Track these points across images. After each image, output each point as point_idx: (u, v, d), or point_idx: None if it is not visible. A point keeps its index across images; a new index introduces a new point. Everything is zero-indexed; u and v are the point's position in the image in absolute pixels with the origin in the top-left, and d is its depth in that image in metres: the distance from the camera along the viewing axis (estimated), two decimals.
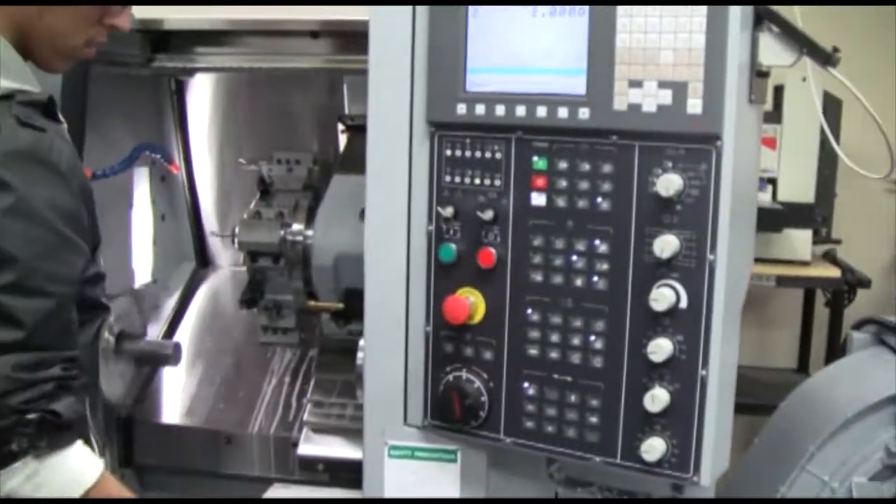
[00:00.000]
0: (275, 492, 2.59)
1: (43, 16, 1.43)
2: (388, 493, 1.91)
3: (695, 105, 1.56)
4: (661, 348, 1.60)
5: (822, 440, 1.94)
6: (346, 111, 2.71)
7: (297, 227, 2.60)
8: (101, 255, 1.64)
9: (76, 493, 1.38)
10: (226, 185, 3.20)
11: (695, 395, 1.61)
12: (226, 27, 2.60)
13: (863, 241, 3.91)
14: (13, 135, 1.32)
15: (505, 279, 1.74)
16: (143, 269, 3.09)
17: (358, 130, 2.60)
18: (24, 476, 1.34)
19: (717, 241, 1.57)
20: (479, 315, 1.77)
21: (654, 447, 1.62)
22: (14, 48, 1.43)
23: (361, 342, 1.95)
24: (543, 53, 1.67)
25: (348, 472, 1.97)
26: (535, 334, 1.73)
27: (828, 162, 3.65)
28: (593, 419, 1.69)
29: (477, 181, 1.74)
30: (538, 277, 1.71)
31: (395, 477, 1.90)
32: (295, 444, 2.62)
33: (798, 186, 3.63)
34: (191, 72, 2.91)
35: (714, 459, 1.62)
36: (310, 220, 2.58)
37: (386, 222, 1.84)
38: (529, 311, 1.73)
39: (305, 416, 2.61)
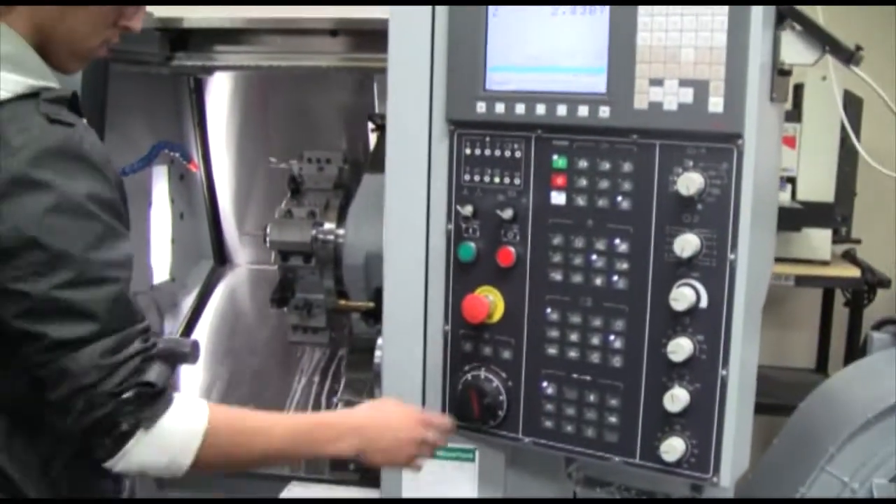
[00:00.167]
0: (292, 490, 2.59)
1: (64, 18, 1.43)
2: (406, 492, 1.91)
3: (716, 104, 1.55)
4: (681, 348, 1.59)
5: (842, 441, 1.93)
6: (377, 110, 2.71)
7: (328, 226, 2.60)
8: None
9: (199, 440, 1.42)
10: (244, 184, 3.20)
11: (715, 396, 1.60)
12: (244, 26, 2.61)
13: (883, 240, 3.88)
14: (44, 133, 1.32)
15: (524, 278, 1.74)
16: (161, 266, 3.09)
17: None
18: (145, 448, 1.38)
19: (738, 240, 1.56)
20: (498, 314, 1.76)
21: (673, 447, 1.61)
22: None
23: (380, 341, 1.95)
24: (564, 52, 1.66)
25: (379, 472, 1.98)
26: (554, 333, 1.72)
27: (848, 161, 3.62)
28: (612, 419, 1.68)
29: (496, 180, 1.74)
30: (558, 276, 1.71)
31: (413, 475, 1.90)
32: None
33: (818, 186, 3.60)
34: (209, 70, 2.91)
35: (734, 460, 1.62)
36: (341, 220, 2.58)
37: (405, 221, 1.84)
38: (549, 310, 1.72)
39: None
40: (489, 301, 1.76)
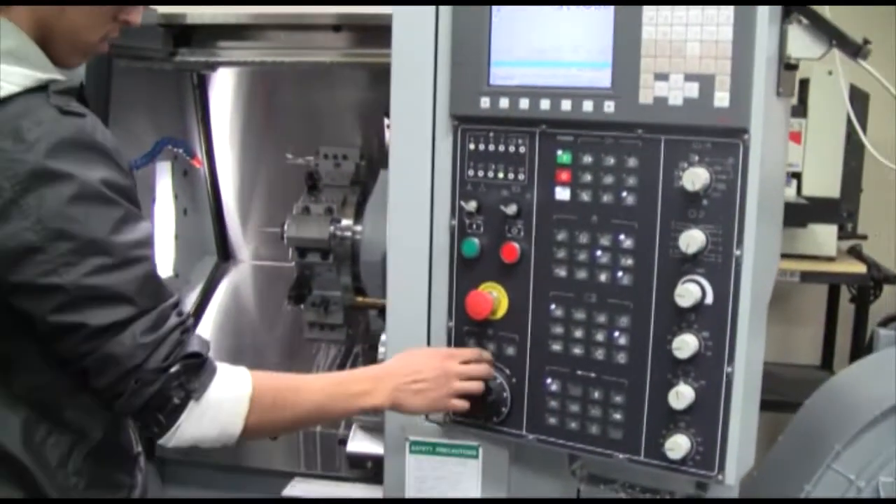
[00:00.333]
0: (295, 487, 2.59)
1: (64, 13, 1.44)
2: (409, 489, 1.90)
3: (722, 98, 1.54)
4: (686, 344, 1.58)
5: (848, 439, 1.92)
6: None
7: (345, 222, 2.59)
8: None
9: (245, 406, 1.47)
10: (248, 180, 3.20)
11: (720, 393, 1.59)
12: (248, 21, 2.61)
13: (889, 236, 3.86)
14: (58, 125, 1.33)
15: (528, 274, 1.73)
16: (164, 262, 3.09)
17: None
18: (197, 420, 1.42)
19: (744, 236, 1.55)
20: (502, 310, 1.76)
21: (678, 444, 1.60)
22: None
23: (384, 336, 1.95)
24: (568, 46, 1.65)
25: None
26: (558, 330, 1.71)
27: (854, 156, 3.61)
28: (617, 416, 1.67)
29: (500, 175, 1.73)
30: (562, 272, 1.70)
31: (416, 472, 1.90)
32: (342, 442, 2.61)
33: (823, 181, 3.58)
34: (213, 66, 2.91)
35: (739, 457, 1.61)
36: (358, 216, 2.57)
37: (409, 216, 1.84)
38: (553, 306, 1.71)
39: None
40: (493, 297, 1.75)
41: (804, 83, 3.56)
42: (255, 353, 3.08)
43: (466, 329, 1.80)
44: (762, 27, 1.52)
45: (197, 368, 1.42)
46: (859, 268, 3.65)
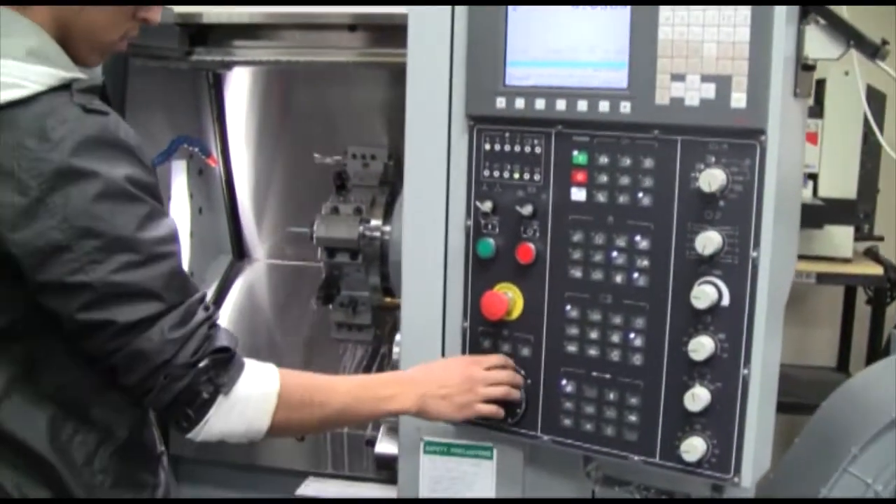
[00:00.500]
0: (309, 486, 2.59)
1: (83, 12, 1.44)
2: (423, 490, 1.90)
3: (739, 99, 1.53)
4: (702, 346, 1.58)
5: (865, 442, 1.90)
6: None
7: (374, 222, 2.59)
8: None
9: (273, 403, 1.48)
10: (263, 179, 3.20)
11: (736, 395, 1.58)
12: (263, 21, 2.61)
13: None
14: (82, 123, 1.34)
15: (544, 275, 1.72)
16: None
17: None
18: (225, 414, 1.43)
19: (761, 237, 1.54)
20: (518, 311, 1.75)
21: (694, 447, 1.60)
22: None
23: (398, 336, 1.95)
24: (584, 47, 1.65)
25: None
26: (573, 331, 1.71)
27: (870, 157, 3.59)
28: (632, 417, 1.67)
29: (516, 176, 1.73)
30: (577, 273, 1.70)
31: (431, 473, 1.90)
32: (369, 443, 2.60)
33: (840, 182, 3.57)
34: (228, 65, 2.92)
35: (755, 460, 1.60)
36: (387, 216, 2.57)
37: (424, 217, 1.83)
38: (568, 307, 1.71)
39: None
40: (508, 298, 1.75)
41: (820, 84, 3.54)
42: (271, 352, 3.08)
43: (481, 329, 1.79)
44: (779, 28, 1.51)
45: (226, 363, 1.43)
46: (876, 269, 3.63)
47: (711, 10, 1.54)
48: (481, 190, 1.77)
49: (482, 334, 1.80)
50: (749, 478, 1.60)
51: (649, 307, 1.64)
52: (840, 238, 3.62)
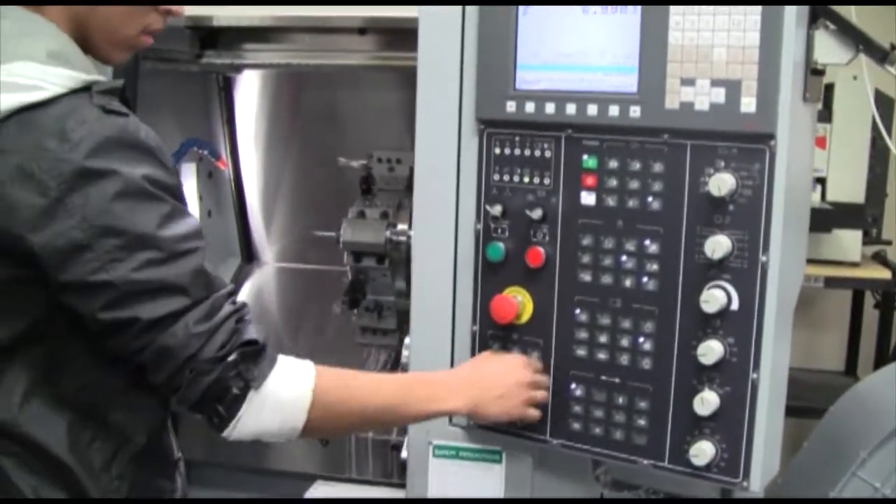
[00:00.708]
0: (317, 489, 2.59)
1: (97, 7, 1.44)
2: (432, 493, 1.90)
3: (748, 104, 1.53)
4: (711, 350, 1.58)
5: (874, 446, 1.90)
6: None
7: (401, 226, 2.58)
8: None
9: (308, 399, 1.44)
10: (273, 182, 3.21)
11: (745, 399, 1.58)
12: (273, 24, 2.62)
13: None
14: (101, 124, 1.34)
15: (553, 279, 1.73)
16: None
17: None
18: (257, 411, 1.40)
19: (770, 241, 1.55)
20: (527, 315, 1.76)
21: (703, 451, 1.60)
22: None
23: (407, 340, 1.95)
24: (594, 51, 1.65)
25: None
26: (583, 335, 1.71)
27: (879, 162, 3.59)
28: (641, 421, 1.67)
29: (526, 179, 1.73)
30: (587, 277, 1.70)
31: (440, 477, 1.90)
32: (395, 447, 2.59)
33: (848, 186, 3.57)
34: (238, 68, 2.93)
35: (764, 464, 1.60)
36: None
37: (434, 220, 1.84)
38: (578, 311, 1.71)
39: None
40: (518, 301, 1.75)
41: (829, 88, 3.54)
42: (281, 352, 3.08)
43: (491, 333, 1.80)
44: (789, 32, 1.52)
45: (255, 356, 1.41)
46: (884, 273, 3.63)
47: (721, 15, 1.54)
48: (491, 193, 1.77)
49: (491, 338, 1.80)
50: (758, 482, 1.60)
51: (658, 311, 1.64)
52: (848, 242, 3.62)
